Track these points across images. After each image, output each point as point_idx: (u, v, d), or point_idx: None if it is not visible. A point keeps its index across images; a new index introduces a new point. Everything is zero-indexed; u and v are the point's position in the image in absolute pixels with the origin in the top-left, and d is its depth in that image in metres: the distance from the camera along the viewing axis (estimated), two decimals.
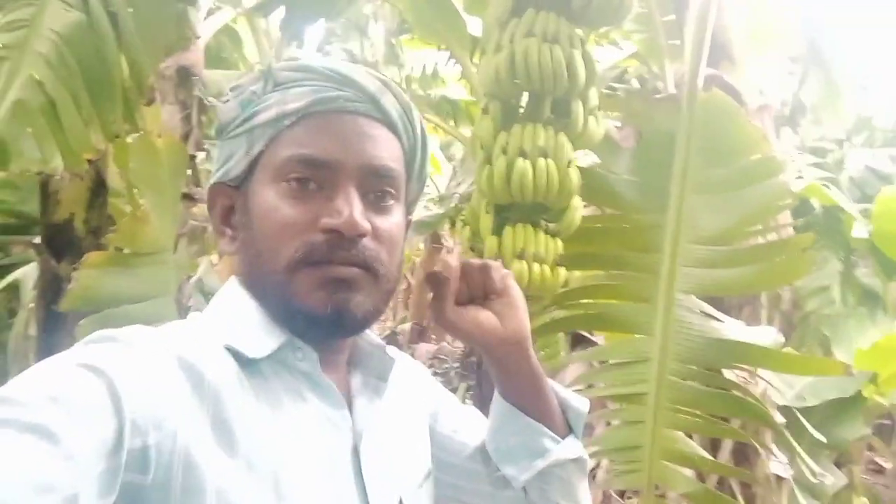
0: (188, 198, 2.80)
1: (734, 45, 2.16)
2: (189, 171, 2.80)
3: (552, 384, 0.89)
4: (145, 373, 0.61)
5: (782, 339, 1.84)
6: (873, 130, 4.77)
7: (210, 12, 3.53)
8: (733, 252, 1.81)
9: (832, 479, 2.04)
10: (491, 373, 0.87)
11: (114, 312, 2.10)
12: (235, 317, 0.72)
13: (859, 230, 3.60)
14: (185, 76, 3.08)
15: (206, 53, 3.57)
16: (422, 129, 0.78)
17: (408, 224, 0.80)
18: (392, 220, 0.74)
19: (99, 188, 2.45)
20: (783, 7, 2.89)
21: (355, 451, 0.72)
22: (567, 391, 0.92)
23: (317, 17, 3.22)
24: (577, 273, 2.01)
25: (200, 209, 3.26)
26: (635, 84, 3.56)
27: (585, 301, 1.91)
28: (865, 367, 3.02)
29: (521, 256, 1.74)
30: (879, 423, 4.81)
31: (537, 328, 2.13)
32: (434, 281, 0.80)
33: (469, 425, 0.93)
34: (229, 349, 0.68)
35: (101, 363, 0.59)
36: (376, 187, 0.72)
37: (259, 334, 0.70)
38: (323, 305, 0.69)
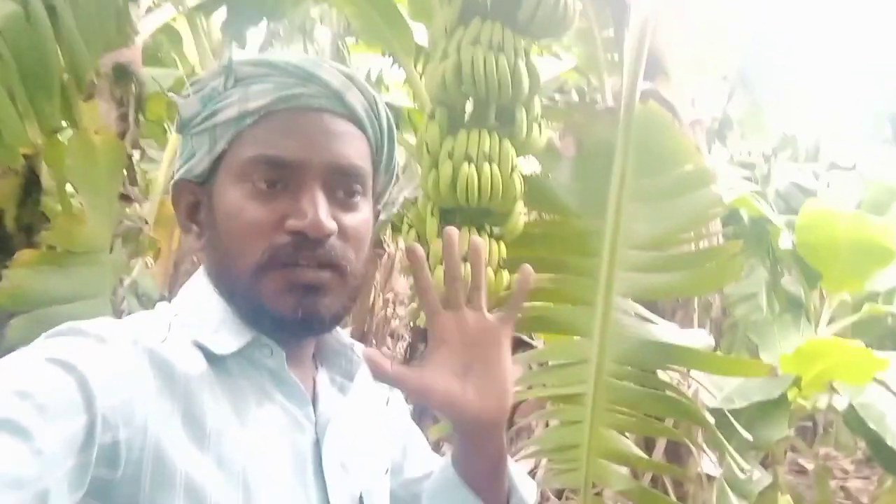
0: (124, 198, 2.74)
1: (669, 61, 2.26)
2: (126, 171, 2.74)
3: (510, 466, 0.83)
4: (116, 368, 0.61)
5: (713, 342, 1.93)
6: (797, 147, 5.02)
7: (149, 10, 3.45)
8: (667, 258, 1.88)
9: (759, 475, 2.13)
10: (453, 441, 0.80)
11: (46, 312, 2.04)
12: (203, 313, 0.71)
13: (785, 241, 3.78)
14: (121, 73, 3.01)
15: (143, 52, 3.49)
16: (388, 121, 0.77)
17: (376, 215, 0.79)
18: (359, 217, 0.73)
19: (32, 185, 2.37)
20: (716, 27, 3.03)
21: (317, 447, 0.73)
22: (520, 475, 0.85)
23: (259, 18, 3.17)
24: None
25: (135, 209, 3.18)
26: (574, 95, 3.66)
27: (527, 304, 1.95)
28: (790, 371, 3.18)
29: (465, 260, 1.77)
30: (802, 426, 5.05)
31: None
32: (412, 257, 0.72)
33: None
34: (197, 345, 0.68)
35: (71, 358, 0.58)
36: (342, 185, 0.71)
37: (226, 331, 0.70)
38: (292, 310, 0.69)
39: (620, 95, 1.93)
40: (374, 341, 8.96)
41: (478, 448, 0.77)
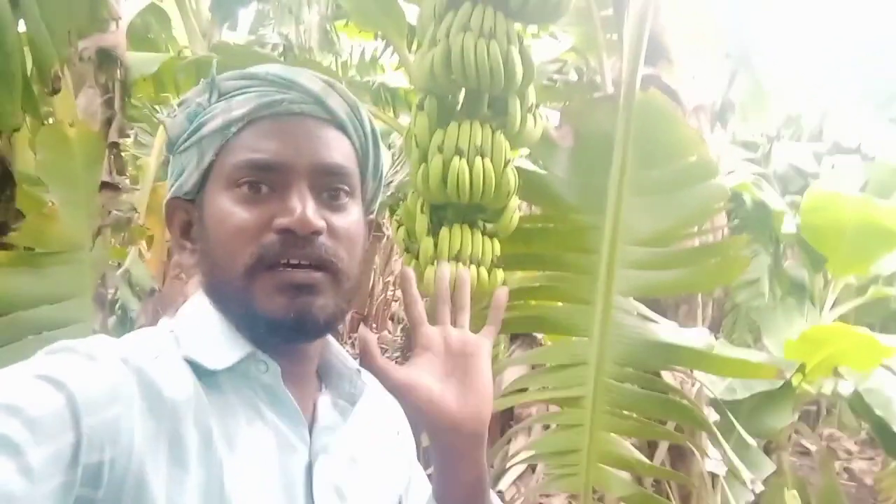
0: (111, 187, 2.64)
1: (671, 44, 2.15)
2: (112, 159, 2.65)
3: (492, 498, 0.82)
4: (104, 387, 0.61)
5: (714, 341, 1.85)
6: (800, 127, 4.91)
7: None
8: (670, 254, 1.80)
9: (761, 487, 2.07)
10: (432, 462, 0.78)
11: (22, 316, 1.96)
12: (198, 327, 0.71)
13: (788, 225, 3.70)
14: (105, 58, 2.90)
15: (132, 34, 3.39)
16: (372, 127, 0.77)
17: (369, 224, 0.79)
18: (349, 219, 0.72)
19: (4, 182, 2.27)
20: (716, 6, 2.92)
21: (310, 470, 0.71)
22: None
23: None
24: (517, 274, 1.98)
25: (126, 198, 3.08)
26: (574, 76, 3.55)
27: (523, 303, 1.87)
28: (794, 358, 3.12)
29: (457, 258, 1.69)
30: (805, 409, 5.01)
31: (474, 332, 2.06)
32: (402, 277, 0.77)
33: None
34: (189, 361, 0.68)
35: (60, 375, 0.59)
36: (329, 185, 0.71)
37: (221, 345, 0.70)
38: (284, 311, 0.68)
39: (620, 80, 1.82)
40: (374, 325, 8.93)
41: (455, 466, 0.76)
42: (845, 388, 3.38)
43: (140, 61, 3.30)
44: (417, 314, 0.76)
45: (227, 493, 0.64)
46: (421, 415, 0.72)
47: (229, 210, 0.69)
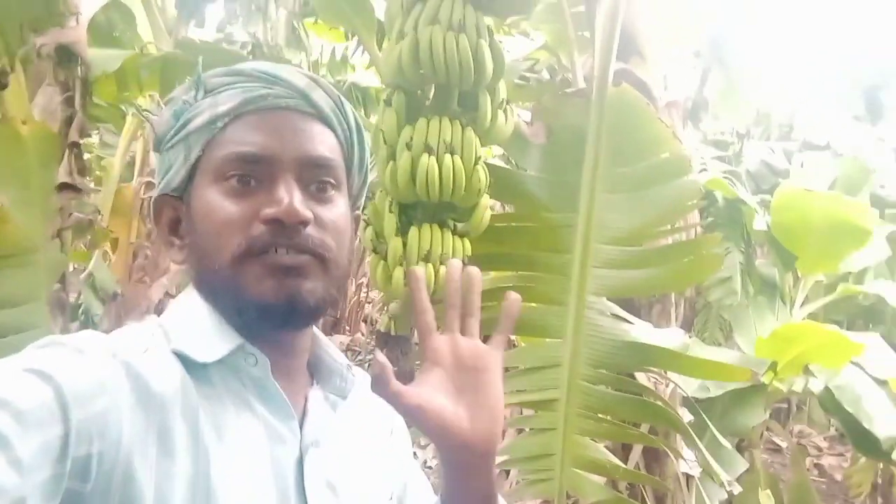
0: (70, 188, 2.55)
1: (644, 39, 2.12)
2: (73, 159, 2.55)
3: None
4: (92, 380, 0.61)
5: (689, 341, 1.82)
6: (770, 125, 4.95)
7: None
8: (644, 253, 1.77)
9: (739, 489, 2.05)
10: (441, 476, 0.77)
11: None
12: (187, 321, 0.72)
13: (759, 222, 3.71)
14: (65, 55, 2.80)
15: (96, 33, 3.31)
16: (356, 121, 0.78)
17: (356, 219, 0.80)
18: (336, 211, 0.73)
19: None
20: (688, 3, 2.91)
21: (300, 464, 0.71)
22: None
23: None
24: (489, 274, 1.94)
25: (91, 199, 2.97)
26: (546, 75, 3.52)
27: (496, 304, 1.82)
28: (765, 356, 3.12)
29: (427, 259, 1.65)
30: (776, 406, 5.05)
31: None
32: (412, 279, 0.74)
33: None
34: (179, 354, 0.68)
35: (49, 368, 0.59)
36: (315, 177, 0.72)
37: (210, 338, 0.70)
38: (274, 294, 0.69)
39: (593, 77, 1.79)
40: (347, 327, 8.84)
41: (465, 483, 0.75)
42: (816, 386, 3.40)
43: (102, 58, 3.20)
44: (426, 324, 0.73)
45: (214, 484, 0.64)
46: (434, 436, 0.71)
47: (217, 203, 0.70)
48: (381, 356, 0.68)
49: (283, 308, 0.69)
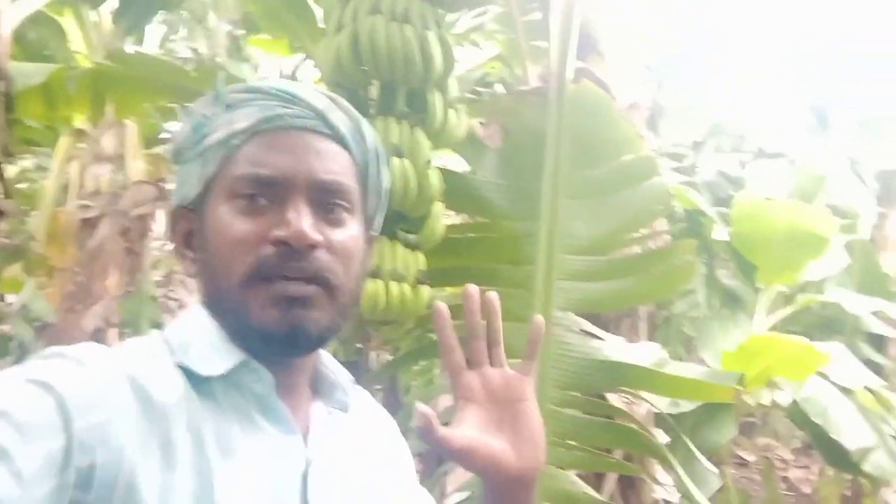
0: None
1: (601, 37, 2.01)
2: None
3: None
4: (95, 391, 0.62)
5: (666, 356, 1.69)
6: (722, 136, 4.97)
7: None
8: (611, 263, 1.64)
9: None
10: (484, 501, 0.79)
11: None
12: (192, 335, 0.73)
13: (719, 233, 3.67)
14: None
15: (26, 49, 3.12)
16: (374, 142, 0.78)
17: (370, 240, 0.79)
18: (347, 234, 0.73)
19: None
20: (644, 9, 2.85)
21: (305, 478, 0.72)
22: None
23: (154, 8, 2.91)
24: (446, 290, 1.81)
25: (12, 224, 2.76)
26: (499, 88, 3.44)
27: (455, 323, 1.67)
28: (732, 369, 3.05)
29: (375, 275, 1.50)
30: (742, 420, 5.01)
31: (403, 357, 1.88)
32: (437, 315, 0.73)
33: None
34: (183, 368, 0.69)
35: (50, 379, 0.60)
36: (327, 200, 0.72)
37: (214, 353, 0.71)
38: (277, 324, 0.69)
39: (551, 75, 1.66)
40: None
41: None
42: (783, 398, 3.37)
43: (25, 72, 2.99)
44: (456, 361, 0.74)
45: (218, 498, 0.65)
46: (484, 474, 0.73)
47: (228, 221, 0.71)
48: (422, 406, 0.69)
49: (286, 337, 0.70)
